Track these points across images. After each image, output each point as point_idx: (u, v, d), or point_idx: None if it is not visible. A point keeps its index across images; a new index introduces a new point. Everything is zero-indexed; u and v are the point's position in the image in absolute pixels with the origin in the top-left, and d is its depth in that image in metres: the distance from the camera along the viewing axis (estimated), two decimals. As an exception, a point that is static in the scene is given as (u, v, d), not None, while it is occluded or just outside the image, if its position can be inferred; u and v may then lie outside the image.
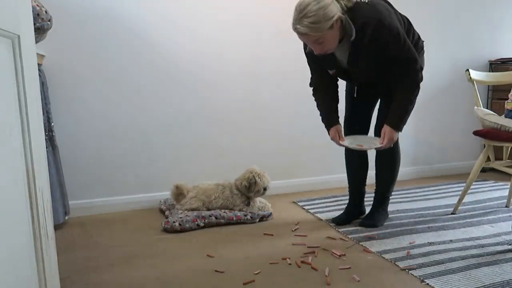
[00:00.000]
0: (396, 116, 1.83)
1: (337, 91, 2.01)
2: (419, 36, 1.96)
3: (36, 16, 1.72)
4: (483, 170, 3.25)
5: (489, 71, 3.21)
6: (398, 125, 1.83)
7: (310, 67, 1.98)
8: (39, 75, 1.87)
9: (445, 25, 3.09)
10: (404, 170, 2.77)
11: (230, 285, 1.47)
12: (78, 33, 2.23)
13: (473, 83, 2.24)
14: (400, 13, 1.86)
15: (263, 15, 2.58)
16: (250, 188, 2.22)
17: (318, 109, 1.99)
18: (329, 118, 1.96)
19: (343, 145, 1.93)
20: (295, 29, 1.64)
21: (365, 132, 2.08)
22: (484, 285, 1.41)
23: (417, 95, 1.84)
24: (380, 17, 1.64)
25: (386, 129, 1.83)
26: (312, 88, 2.01)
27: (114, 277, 1.55)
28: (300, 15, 1.60)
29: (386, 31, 1.65)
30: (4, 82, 0.80)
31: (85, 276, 1.56)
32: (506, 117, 2.15)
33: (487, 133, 2.08)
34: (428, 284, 1.43)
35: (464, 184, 2.24)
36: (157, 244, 1.88)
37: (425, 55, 3.17)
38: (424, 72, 3.25)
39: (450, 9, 3.09)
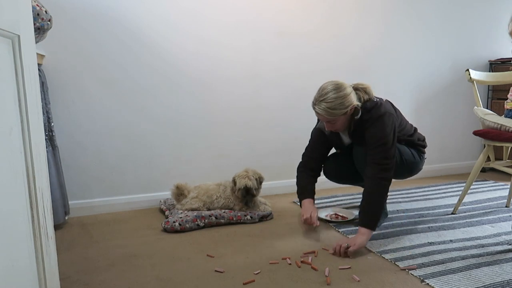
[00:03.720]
0: (369, 216, 1.79)
1: (319, 174, 2.17)
2: (423, 139, 2.12)
3: (36, 16, 1.72)
4: (483, 170, 3.26)
5: (489, 71, 3.21)
6: (373, 225, 1.78)
7: (310, 141, 2.15)
8: (39, 75, 1.87)
9: (445, 25, 3.10)
10: (404, 170, 2.78)
11: (230, 285, 1.47)
12: (78, 34, 2.24)
13: (473, 83, 2.24)
14: (405, 119, 2.05)
15: (263, 17, 2.58)
16: (234, 186, 2.23)
17: (297, 182, 2.14)
18: (305, 193, 2.08)
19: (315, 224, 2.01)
20: (313, 108, 1.83)
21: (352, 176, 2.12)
22: (484, 285, 1.41)
23: (386, 195, 1.83)
24: (377, 119, 1.81)
25: (361, 230, 1.77)
26: (301, 160, 2.18)
27: (114, 277, 1.55)
28: (320, 99, 1.78)
29: (376, 131, 1.80)
30: (4, 82, 0.80)
31: (85, 276, 1.56)
32: (506, 117, 2.15)
33: (487, 133, 2.08)
34: (428, 284, 1.43)
35: (464, 184, 2.24)
36: (157, 244, 1.88)
37: (425, 56, 3.18)
38: (424, 72, 3.26)
39: (450, 9, 3.09)
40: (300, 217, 2.12)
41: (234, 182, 2.24)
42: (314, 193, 2.10)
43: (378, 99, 1.90)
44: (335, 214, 2.20)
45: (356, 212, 2.13)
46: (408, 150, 2.01)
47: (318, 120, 2.14)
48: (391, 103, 1.98)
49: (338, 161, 2.14)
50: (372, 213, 1.79)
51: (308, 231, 2.01)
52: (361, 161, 1.93)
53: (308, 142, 2.17)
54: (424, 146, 2.11)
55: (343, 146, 2.08)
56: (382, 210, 1.85)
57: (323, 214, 2.17)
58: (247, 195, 2.21)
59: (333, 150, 2.18)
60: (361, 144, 1.92)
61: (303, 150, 2.20)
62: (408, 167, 2.01)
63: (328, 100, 1.76)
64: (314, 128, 2.15)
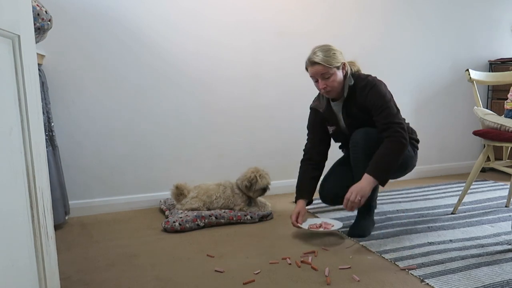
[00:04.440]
0: (380, 167, 1.78)
1: (323, 167, 2.11)
2: (416, 134, 2.14)
3: (36, 16, 1.72)
4: (483, 170, 3.26)
5: (489, 71, 3.21)
6: (383, 177, 1.78)
7: (308, 131, 2.13)
8: (39, 75, 1.87)
9: (445, 25, 3.10)
10: (404, 170, 2.78)
11: (230, 285, 1.47)
12: (78, 33, 2.24)
13: (473, 83, 2.24)
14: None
15: (263, 17, 2.58)
16: (251, 187, 2.22)
17: (298, 176, 2.12)
18: (302, 191, 2.05)
19: (300, 227, 1.93)
20: (309, 60, 1.86)
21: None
22: (484, 285, 1.41)
23: (402, 154, 1.82)
24: (375, 84, 1.89)
25: (366, 177, 1.76)
26: (303, 153, 2.14)
27: (114, 277, 1.55)
28: (315, 50, 1.87)
29: (377, 95, 1.86)
30: (4, 82, 0.80)
31: (85, 276, 1.56)
32: (506, 117, 2.15)
33: (487, 133, 2.08)
34: (428, 284, 1.43)
35: (464, 184, 2.24)
36: (157, 244, 1.88)
37: (425, 56, 3.17)
38: (424, 72, 3.26)
39: (450, 9, 3.09)
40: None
41: (249, 182, 2.21)
42: (310, 191, 2.05)
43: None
44: (323, 222, 1.97)
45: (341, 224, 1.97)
46: None
47: (312, 104, 2.10)
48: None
49: (334, 185, 2.07)
50: (385, 167, 1.77)
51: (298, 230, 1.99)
52: (359, 151, 1.88)
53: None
54: (417, 141, 2.10)
55: (340, 127, 2.02)
56: (395, 168, 1.81)
57: (307, 224, 1.96)
58: (263, 193, 2.28)
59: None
60: (356, 125, 1.93)
61: (303, 150, 2.18)
62: (404, 162, 1.94)
63: (321, 50, 1.85)
64: (310, 110, 2.11)
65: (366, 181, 1.76)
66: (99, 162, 2.37)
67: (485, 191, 2.67)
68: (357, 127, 1.93)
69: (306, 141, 2.15)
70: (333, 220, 2.01)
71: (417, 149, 2.10)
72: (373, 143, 1.84)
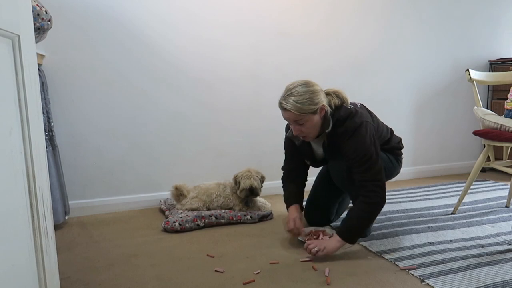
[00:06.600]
0: (351, 231, 1.69)
1: (306, 180, 2.04)
2: (399, 140, 2.03)
3: (36, 16, 1.72)
4: (483, 170, 3.26)
5: (489, 71, 3.21)
6: (352, 240, 1.70)
7: (285, 151, 2.01)
8: (39, 75, 1.87)
9: (445, 25, 3.10)
10: (404, 170, 2.76)
11: (230, 285, 1.47)
12: (78, 33, 2.24)
13: (473, 83, 2.24)
14: (381, 122, 1.92)
15: (263, 17, 2.58)
16: (237, 187, 2.23)
17: (283, 190, 2.01)
18: (291, 198, 1.94)
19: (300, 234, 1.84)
20: (280, 104, 1.68)
21: (325, 219, 2.06)
22: (484, 285, 1.41)
23: (376, 215, 1.72)
24: (355, 130, 1.68)
25: (337, 238, 1.68)
26: (283, 172, 2.04)
27: (114, 277, 1.55)
28: (288, 93, 1.66)
29: (356, 145, 1.67)
30: (4, 82, 0.80)
31: (85, 276, 1.56)
32: (506, 117, 2.15)
33: (487, 133, 2.08)
34: (428, 284, 1.44)
35: (464, 184, 2.24)
36: (157, 244, 1.88)
37: (425, 56, 3.16)
38: (424, 72, 3.26)
39: (450, 9, 3.09)
40: (285, 224, 1.89)
41: (236, 182, 2.24)
42: (301, 198, 1.95)
43: (352, 106, 1.76)
44: (321, 233, 1.90)
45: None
46: (385, 156, 1.91)
47: (286, 130, 1.97)
48: (366, 107, 1.86)
49: (321, 211, 2.04)
50: (355, 229, 1.69)
51: (294, 238, 1.85)
52: (339, 176, 1.83)
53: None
54: (401, 148, 2.02)
55: (316, 159, 1.94)
56: (367, 229, 1.78)
57: (305, 232, 1.91)
58: (250, 195, 2.21)
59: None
60: (336, 158, 1.81)
61: (282, 170, 2.07)
62: (386, 174, 1.85)
63: (296, 94, 1.63)
64: (284, 138, 1.98)
65: (335, 241, 1.68)
66: (99, 162, 2.37)
67: (485, 191, 2.67)
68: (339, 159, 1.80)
69: (283, 162, 2.04)
70: (332, 230, 1.95)
71: (400, 155, 2.02)
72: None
